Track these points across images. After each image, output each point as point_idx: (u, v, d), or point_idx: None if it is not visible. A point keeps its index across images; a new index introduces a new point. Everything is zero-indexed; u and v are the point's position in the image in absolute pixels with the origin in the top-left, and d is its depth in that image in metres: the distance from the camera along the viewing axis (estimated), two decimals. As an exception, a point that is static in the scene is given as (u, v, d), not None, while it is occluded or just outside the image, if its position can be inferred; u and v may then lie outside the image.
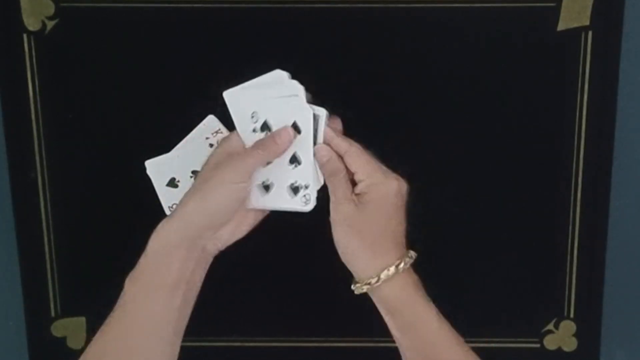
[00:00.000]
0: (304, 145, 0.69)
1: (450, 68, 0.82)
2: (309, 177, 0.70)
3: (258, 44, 0.81)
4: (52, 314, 0.89)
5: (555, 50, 0.81)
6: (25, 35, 0.81)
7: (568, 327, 0.90)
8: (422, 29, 0.80)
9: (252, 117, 0.70)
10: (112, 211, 0.87)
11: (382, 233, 0.69)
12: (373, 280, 0.68)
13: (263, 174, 0.70)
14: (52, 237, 0.87)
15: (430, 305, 0.70)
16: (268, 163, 0.70)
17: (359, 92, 0.83)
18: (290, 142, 0.69)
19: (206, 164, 0.70)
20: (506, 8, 0.79)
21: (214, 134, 0.74)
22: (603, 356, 0.91)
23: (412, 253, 0.70)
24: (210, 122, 0.75)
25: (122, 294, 0.68)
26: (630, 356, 0.94)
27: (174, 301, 0.67)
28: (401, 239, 0.70)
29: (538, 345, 0.90)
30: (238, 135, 0.70)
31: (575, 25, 0.80)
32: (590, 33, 0.80)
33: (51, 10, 0.80)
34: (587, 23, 0.80)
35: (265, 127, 0.70)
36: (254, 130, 0.70)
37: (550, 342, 0.90)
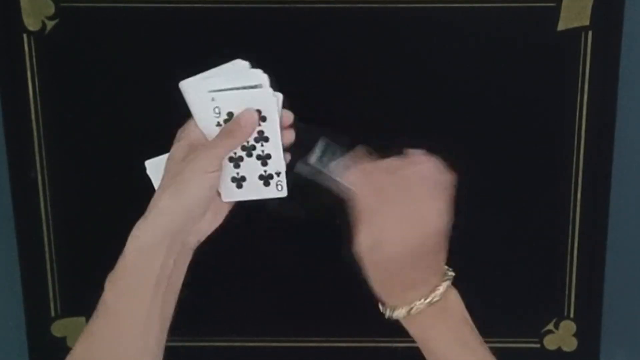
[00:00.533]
0: (270, 133, 0.69)
1: (450, 68, 0.82)
2: (279, 164, 0.69)
3: (258, 44, 0.81)
4: (52, 314, 0.89)
5: (555, 50, 0.81)
6: (25, 35, 0.81)
7: (568, 327, 0.90)
8: (422, 29, 0.80)
9: (215, 110, 0.70)
10: (112, 211, 0.87)
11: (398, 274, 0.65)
12: (403, 312, 0.66)
13: (232, 168, 0.70)
14: (52, 237, 0.87)
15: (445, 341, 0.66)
16: (239, 158, 0.70)
17: (358, 92, 0.83)
18: (255, 124, 0.68)
19: (170, 159, 0.69)
20: (506, 8, 0.79)
21: None
22: (603, 356, 0.91)
23: (439, 289, 0.66)
24: None
25: (102, 296, 0.66)
26: (630, 356, 0.94)
27: (157, 299, 0.66)
28: (433, 268, 0.66)
29: (538, 345, 0.90)
30: (196, 125, 0.69)
31: (575, 25, 0.80)
32: (590, 33, 0.80)
33: (51, 10, 0.80)
34: (587, 23, 0.80)
35: (230, 118, 0.69)
36: (218, 125, 0.70)
37: (550, 342, 0.90)
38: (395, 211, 0.65)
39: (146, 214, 0.68)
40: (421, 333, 0.67)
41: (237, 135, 0.68)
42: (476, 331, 0.68)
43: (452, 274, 0.68)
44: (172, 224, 0.67)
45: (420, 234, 0.65)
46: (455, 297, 0.68)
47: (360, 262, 0.67)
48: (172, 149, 0.70)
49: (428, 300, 0.66)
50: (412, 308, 0.66)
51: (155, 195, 0.68)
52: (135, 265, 0.66)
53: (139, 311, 0.66)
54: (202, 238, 0.70)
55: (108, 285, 0.67)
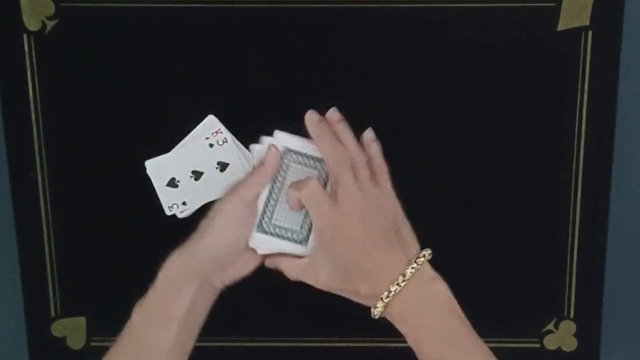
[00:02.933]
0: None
1: (450, 68, 0.82)
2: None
3: (258, 44, 0.81)
4: (52, 314, 0.89)
5: (555, 50, 0.81)
6: (25, 35, 0.81)
7: (568, 327, 0.90)
8: (422, 29, 0.80)
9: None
10: (112, 211, 0.87)
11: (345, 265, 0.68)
12: (380, 305, 0.68)
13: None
14: (52, 237, 0.87)
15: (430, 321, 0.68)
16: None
17: (358, 93, 0.82)
18: (278, 162, 0.71)
19: (215, 204, 0.73)
20: (506, 8, 0.79)
21: (214, 134, 0.74)
22: (603, 356, 0.91)
23: (406, 273, 0.67)
24: (210, 122, 0.76)
25: (129, 322, 0.69)
26: (630, 356, 0.94)
27: (181, 334, 0.69)
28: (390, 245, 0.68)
29: (538, 345, 0.90)
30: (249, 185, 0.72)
31: (575, 25, 0.80)
32: (590, 33, 0.80)
33: (51, 10, 0.80)
34: (587, 23, 0.80)
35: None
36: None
37: (550, 342, 0.90)
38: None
39: (182, 248, 0.70)
40: (407, 327, 0.67)
41: (260, 173, 0.71)
42: (466, 322, 0.68)
43: (421, 260, 0.68)
44: (202, 264, 0.70)
45: (361, 232, 0.67)
46: (439, 288, 0.68)
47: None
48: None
49: (395, 285, 0.66)
50: (385, 297, 0.66)
51: (196, 233, 0.71)
52: (165, 297, 0.69)
53: (164, 340, 0.68)
54: (229, 284, 0.73)
55: (137, 310, 0.69)
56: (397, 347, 0.89)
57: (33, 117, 0.83)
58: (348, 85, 0.82)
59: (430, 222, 0.86)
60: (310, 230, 0.71)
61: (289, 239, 0.71)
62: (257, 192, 0.70)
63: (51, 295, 0.89)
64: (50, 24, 0.80)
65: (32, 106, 0.83)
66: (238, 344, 0.91)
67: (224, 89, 0.82)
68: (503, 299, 0.89)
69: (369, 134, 0.71)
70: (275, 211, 0.71)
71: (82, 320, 0.89)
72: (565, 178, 0.85)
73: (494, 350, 0.90)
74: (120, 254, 0.85)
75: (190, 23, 0.80)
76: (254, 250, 0.72)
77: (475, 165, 0.85)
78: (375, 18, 0.80)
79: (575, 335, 0.90)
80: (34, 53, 0.81)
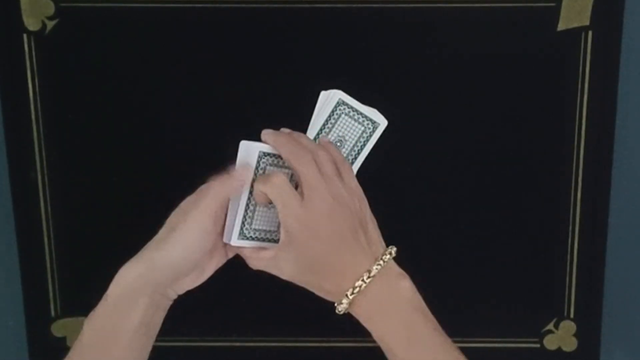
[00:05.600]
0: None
1: (450, 68, 0.82)
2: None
3: (258, 43, 0.81)
4: (52, 314, 0.89)
5: (555, 50, 0.81)
6: (25, 35, 0.81)
7: (568, 327, 0.90)
8: (423, 29, 0.81)
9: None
10: (112, 211, 0.87)
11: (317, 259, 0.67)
12: (345, 303, 0.67)
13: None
14: (52, 237, 0.87)
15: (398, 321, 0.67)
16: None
17: (358, 93, 0.82)
18: (247, 174, 0.68)
19: (177, 209, 0.69)
20: (506, 8, 0.79)
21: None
22: (603, 356, 0.91)
23: (371, 271, 0.66)
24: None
25: (80, 336, 0.67)
26: (630, 356, 0.94)
27: (134, 346, 0.66)
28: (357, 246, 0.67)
29: (538, 345, 0.90)
30: (215, 193, 0.69)
31: (575, 25, 0.80)
32: (590, 33, 0.80)
33: (51, 10, 0.80)
34: (587, 23, 0.80)
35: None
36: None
37: (550, 342, 0.90)
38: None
39: (136, 258, 0.67)
40: (372, 324, 0.67)
41: (227, 184, 0.68)
42: (432, 319, 0.67)
43: (387, 257, 0.67)
44: (157, 276, 0.67)
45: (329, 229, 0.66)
46: (404, 285, 0.67)
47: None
48: (184, 201, 0.69)
49: (360, 281, 0.66)
50: (349, 294, 0.66)
51: (151, 242, 0.68)
52: (117, 309, 0.66)
53: (114, 356, 0.66)
54: (183, 292, 0.70)
55: (87, 326, 0.66)
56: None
57: (33, 117, 0.83)
58: (348, 86, 0.82)
59: (430, 222, 0.86)
60: None
61: (268, 239, 0.70)
62: (223, 202, 0.69)
63: (51, 295, 0.89)
64: (50, 24, 0.80)
65: (32, 106, 0.83)
66: (238, 344, 0.91)
67: (224, 89, 0.82)
68: (503, 299, 0.89)
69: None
70: (255, 216, 0.69)
71: (82, 320, 0.89)
72: (565, 178, 0.85)
73: (494, 350, 0.90)
74: (120, 254, 0.85)
75: (190, 23, 0.81)
76: (210, 260, 0.71)
77: (475, 166, 0.85)
78: (374, 19, 0.80)
79: (575, 335, 0.90)
80: (34, 53, 0.81)
